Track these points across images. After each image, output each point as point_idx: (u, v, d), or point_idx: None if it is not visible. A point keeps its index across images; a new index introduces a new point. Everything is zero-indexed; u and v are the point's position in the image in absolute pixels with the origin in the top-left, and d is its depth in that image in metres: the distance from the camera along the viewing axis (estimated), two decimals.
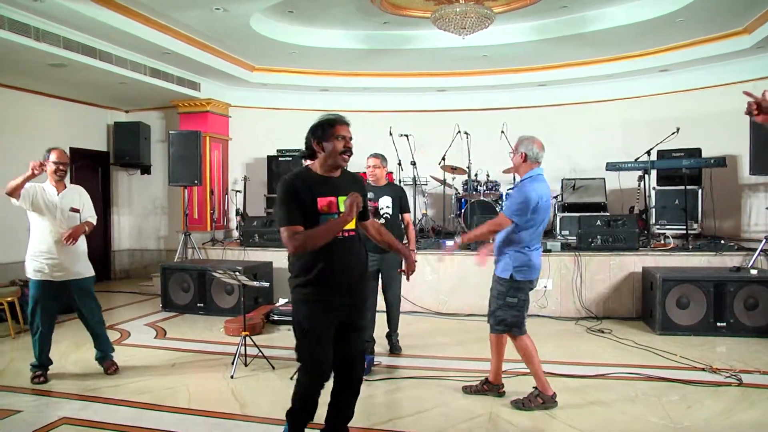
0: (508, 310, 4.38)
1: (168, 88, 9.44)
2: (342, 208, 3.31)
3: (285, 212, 3.25)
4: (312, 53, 9.13)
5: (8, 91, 8.89)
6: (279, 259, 8.46)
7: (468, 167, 9.39)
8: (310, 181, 3.32)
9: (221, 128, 10.88)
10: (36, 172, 4.84)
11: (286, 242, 3.23)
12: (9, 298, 6.91)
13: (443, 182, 9.59)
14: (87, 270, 5.38)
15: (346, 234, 3.35)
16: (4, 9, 6.44)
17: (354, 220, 3.38)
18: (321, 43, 8.80)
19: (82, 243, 5.32)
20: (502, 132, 8.98)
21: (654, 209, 8.67)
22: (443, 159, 9.34)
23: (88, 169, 10.64)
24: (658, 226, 8.76)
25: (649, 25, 7.78)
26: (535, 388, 4.41)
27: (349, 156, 3.41)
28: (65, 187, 5.30)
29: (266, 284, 6.33)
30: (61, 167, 5.20)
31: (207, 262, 8.56)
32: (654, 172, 8.70)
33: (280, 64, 9.96)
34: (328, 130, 3.33)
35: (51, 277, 5.12)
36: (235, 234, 10.60)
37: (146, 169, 11.23)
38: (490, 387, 4.67)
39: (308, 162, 3.53)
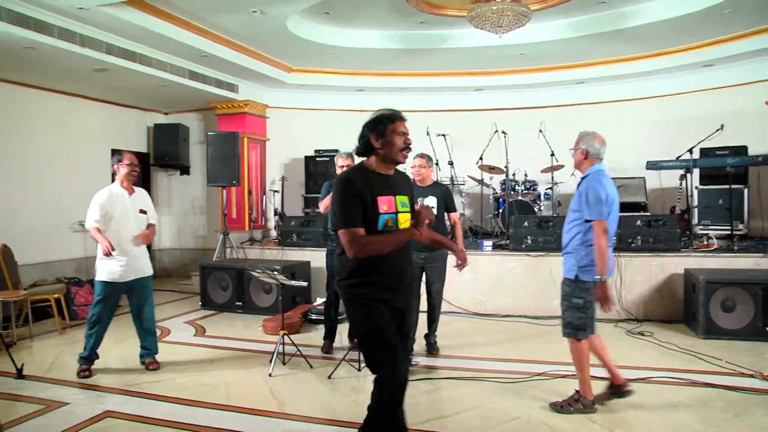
0: (574, 312, 4.23)
1: (206, 90, 9.57)
2: (400, 208, 3.20)
3: (345, 213, 3.09)
4: (348, 54, 9.17)
5: (54, 95, 9.13)
6: (317, 258, 8.50)
7: (506, 167, 9.32)
8: (369, 179, 3.16)
9: (259, 129, 10.99)
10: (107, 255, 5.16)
11: (347, 246, 3.07)
12: (56, 295, 7.08)
13: (481, 182, 9.54)
14: (149, 269, 5.58)
15: None
16: (53, 18, 6.64)
17: (406, 221, 3.26)
18: (357, 43, 8.82)
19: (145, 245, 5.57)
20: (540, 131, 8.90)
21: (696, 209, 8.47)
22: (481, 158, 9.29)
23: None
24: (700, 227, 8.55)
25: (692, 19, 7.58)
26: (577, 391, 4.33)
27: (408, 153, 3.31)
28: (134, 191, 5.49)
29: (304, 283, 6.36)
30: (135, 170, 5.42)
31: (245, 262, 8.65)
32: (696, 171, 8.50)
33: (316, 65, 10.02)
34: (387, 126, 3.19)
35: (120, 278, 5.29)
36: (273, 234, 10.70)
37: (185, 170, 11.40)
38: (614, 389, 4.42)
39: (362, 159, 3.34)
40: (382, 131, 3.18)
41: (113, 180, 5.52)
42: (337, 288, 3.32)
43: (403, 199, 3.25)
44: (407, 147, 3.26)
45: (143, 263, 5.50)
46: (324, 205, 5.90)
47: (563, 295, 4.31)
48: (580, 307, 4.20)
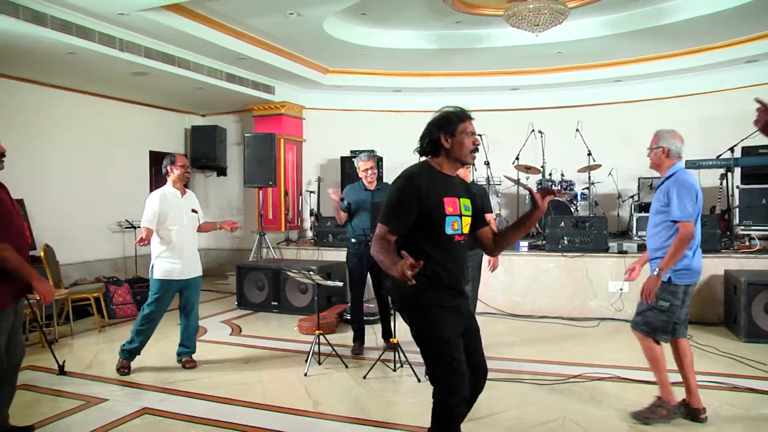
0: (659, 314, 4.02)
1: (243, 92, 9.67)
2: (464, 211, 3.10)
3: (392, 213, 3.01)
4: (384, 54, 9.17)
5: (95, 99, 9.35)
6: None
7: (542, 166, 9.24)
8: (436, 180, 3.07)
9: (295, 130, 11.06)
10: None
11: (374, 239, 3.01)
12: (95, 294, 7.23)
13: (517, 182, 9.45)
14: (200, 269, 5.75)
15: (461, 238, 3.12)
16: (95, 23, 6.82)
17: (467, 224, 3.15)
18: (393, 44, 8.82)
19: (197, 244, 5.74)
20: (577, 130, 8.80)
21: (738, 209, 8.26)
22: (517, 158, 9.22)
23: None
24: (742, 227, 8.32)
25: (734, 14, 7.35)
26: (658, 397, 4.15)
27: (477, 154, 3.21)
28: (185, 191, 5.65)
29: (340, 284, 6.39)
30: (187, 171, 5.59)
31: (281, 262, 8.72)
32: (738, 170, 8.30)
33: (353, 66, 10.05)
34: (457, 125, 3.05)
35: (177, 276, 5.43)
36: (309, 234, 10.76)
37: (222, 171, 11.54)
38: (687, 409, 4.17)
39: (426, 158, 3.20)
40: (453, 131, 3.06)
41: (150, 181, 5.65)
42: (395, 291, 3.16)
43: (465, 202, 3.15)
44: (476, 148, 3.15)
45: (196, 262, 5.66)
46: (341, 219, 5.97)
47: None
48: (665, 310, 4.02)
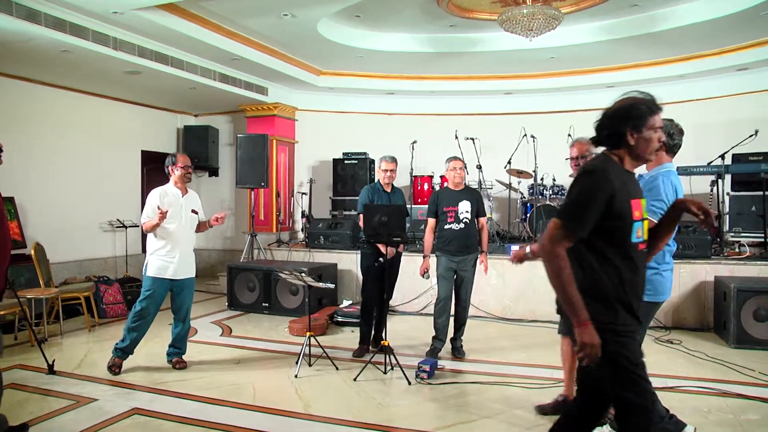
0: None
1: (236, 93, 9.66)
2: (645, 214, 2.70)
3: (581, 212, 2.54)
4: (378, 57, 9.19)
5: (87, 97, 9.31)
6: (344, 260, 8.55)
7: (534, 171, 9.26)
8: (624, 179, 2.62)
9: (288, 131, 11.06)
10: (161, 220, 5.24)
11: (547, 239, 2.54)
12: (86, 293, 7.19)
13: (509, 186, 9.49)
14: (194, 270, 5.71)
15: (644, 246, 2.70)
16: (88, 21, 6.78)
17: (647, 229, 2.73)
18: (387, 46, 8.84)
19: (193, 244, 5.72)
20: (569, 135, 8.82)
21: (728, 215, 8.32)
22: (509, 162, 9.24)
23: (159, 171, 10.91)
24: (732, 234, 8.39)
25: (727, 22, 7.44)
26: None
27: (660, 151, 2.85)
28: (187, 191, 5.65)
29: (332, 286, 6.39)
30: (189, 171, 5.61)
31: (272, 263, 8.71)
32: (728, 177, 8.36)
33: (346, 68, 10.06)
34: (646, 119, 2.63)
35: (169, 275, 5.41)
36: (301, 236, 10.75)
37: (214, 172, 11.52)
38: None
39: (602, 150, 2.78)
40: (640, 126, 2.63)
41: (142, 180, 5.63)
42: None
43: (644, 203, 2.74)
44: (662, 145, 2.77)
45: (191, 263, 5.64)
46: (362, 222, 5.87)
47: None
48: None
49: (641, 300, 2.69)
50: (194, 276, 5.70)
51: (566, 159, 4.44)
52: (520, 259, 3.89)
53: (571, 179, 2.66)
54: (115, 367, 5.34)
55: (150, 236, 5.43)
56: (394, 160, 6.07)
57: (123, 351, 5.40)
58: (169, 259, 5.39)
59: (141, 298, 5.41)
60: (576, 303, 2.46)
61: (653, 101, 2.69)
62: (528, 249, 4.21)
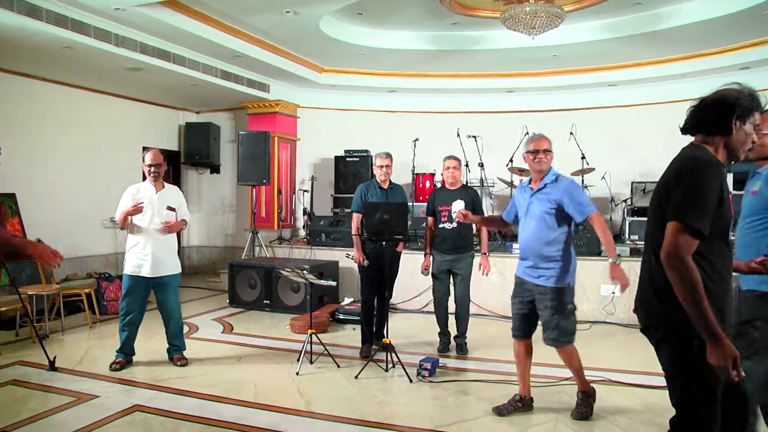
0: (571, 317, 4.15)
1: (238, 90, 9.64)
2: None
3: (705, 209, 2.28)
4: (380, 54, 9.17)
5: (88, 94, 9.30)
6: (345, 258, 8.52)
7: None
8: (723, 174, 2.40)
9: (289, 129, 11.05)
10: (132, 213, 5.26)
11: (673, 246, 2.26)
12: (87, 290, 7.21)
13: (510, 184, 9.48)
14: (176, 267, 5.63)
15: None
16: (90, 18, 6.76)
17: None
18: (389, 44, 8.82)
19: (173, 240, 5.61)
20: (571, 133, 8.82)
21: None
22: (511, 161, 9.23)
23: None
24: (733, 234, 8.36)
25: (729, 20, 7.41)
26: (584, 392, 4.31)
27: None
28: (163, 187, 5.57)
29: (333, 283, 6.38)
30: (153, 169, 5.48)
31: (274, 260, 8.71)
32: (730, 176, 8.34)
33: (348, 66, 10.04)
34: (752, 112, 2.46)
35: (145, 273, 5.38)
36: (302, 233, 10.74)
37: (215, 169, 11.51)
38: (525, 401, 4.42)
39: (696, 139, 2.59)
40: (744, 118, 2.45)
41: (143, 177, 5.63)
42: (663, 315, 2.46)
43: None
44: (753, 146, 2.61)
45: (170, 260, 5.56)
46: (355, 225, 5.89)
47: (557, 305, 4.07)
48: (574, 311, 4.19)
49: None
50: (176, 273, 5.61)
51: (528, 152, 4.49)
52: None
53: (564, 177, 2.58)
54: (114, 365, 5.35)
55: (127, 234, 5.43)
56: (388, 155, 6.01)
57: (119, 351, 5.43)
58: (142, 256, 5.36)
59: (122, 297, 5.44)
60: (711, 319, 2.20)
61: (758, 97, 2.51)
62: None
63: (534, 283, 4.18)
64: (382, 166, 5.96)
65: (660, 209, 2.44)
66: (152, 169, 5.48)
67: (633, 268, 7.26)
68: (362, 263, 5.81)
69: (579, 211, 4.13)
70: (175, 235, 5.64)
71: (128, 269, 5.39)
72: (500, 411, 4.33)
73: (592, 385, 4.35)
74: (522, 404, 4.37)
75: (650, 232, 2.55)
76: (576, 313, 4.21)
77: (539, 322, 4.25)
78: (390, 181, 6.06)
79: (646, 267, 2.62)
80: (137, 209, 5.23)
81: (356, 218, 5.91)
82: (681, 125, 2.62)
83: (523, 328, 4.33)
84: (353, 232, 5.86)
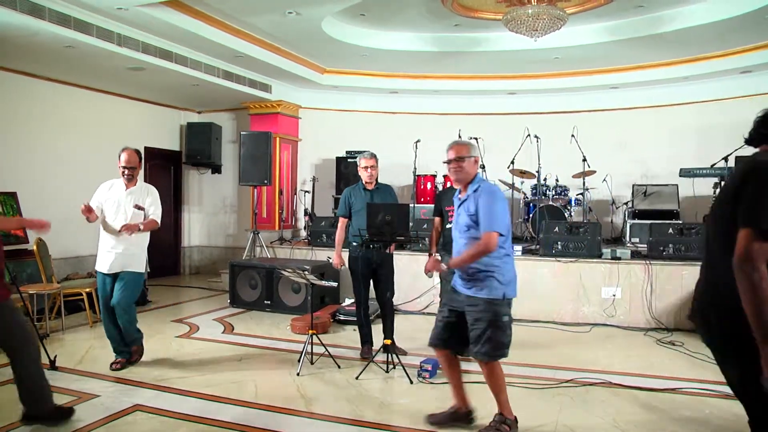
0: (507, 330, 3.91)
1: (240, 90, 9.65)
2: None
3: None
4: (382, 55, 9.18)
5: (90, 93, 9.31)
6: (346, 259, 8.52)
7: (537, 171, 9.24)
8: None
9: (291, 129, 11.05)
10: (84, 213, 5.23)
11: (746, 254, 2.16)
12: (87, 289, 7.21)
13: (512, 186, 9.48)
14: (137, 265, 5.53)
15: None
16: (93, 17, 6.78)
17: None
18: (391, 45, 8.83)
19: (141, 239, 5.54)
20: (573, 136, 8.82)
21: None
22: (512, 162, 9.23)
23: (161, 167, 11.00)
24: None
25: (732, 24, 7.44)
26: (501, 413, 4.03)
27: None
28: (134, 185, 5.53)
29: (334, 284, 6.38)
30: (126, 171, 5.45)
31: (275, 261, 8.72)
32: None
33: (350, 67, 10.05)
34: None
35: (105, 269, 5.40)
36: (303, 234, 10.75)
37: (217, 169, 11.52)
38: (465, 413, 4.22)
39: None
40: None
41: (145, 177, 5.62)
42: (722, 317, 2.42)
43: None
44: None
45: (132, 257, 5.47)
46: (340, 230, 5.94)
47: (492, 316, 3.85)
48: (509, 324, 3.93)
49: None
50: (136, 271, 5.50)
51: (445, 162, 4.20)
52: (432, 270, 4.22)
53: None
54: (114, 365, 5.36)
55: (100, 231, 5.48)
56: (373, 156, 5.96)
57: (113, 350, 5.46)
58: (104, 253, 5.40)
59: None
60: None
61: None
62: (443, 264, 4.14)
63: (465, 294, 3.97)
64: (366, 167, 5.89)
65: (722, 219, 2.38)
66: (126, 171, 5.44)
67: (633, 271, 7.29)
68: (338, 267, 5.89)
69: (483, 222, 3.85)
70: (146, 234, 5.55)
71: (96, 266, 5.45)
72: (436, 419, 4.19)
73: (515, 416, 4.05)
74: (456, 417, 4.18)
75: (711, 244, 2.49)
76: (511, 326, 3.96)
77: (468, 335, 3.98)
78: (377, 181, 6.02)
79: (707, 278, 2.56)
80: (84, 211, 5.18)
81: (341, 222, 5.93)
82: (746, 137, 2.56)
83: (443, 337, 4.12)
84: (336, 238, 5.95)
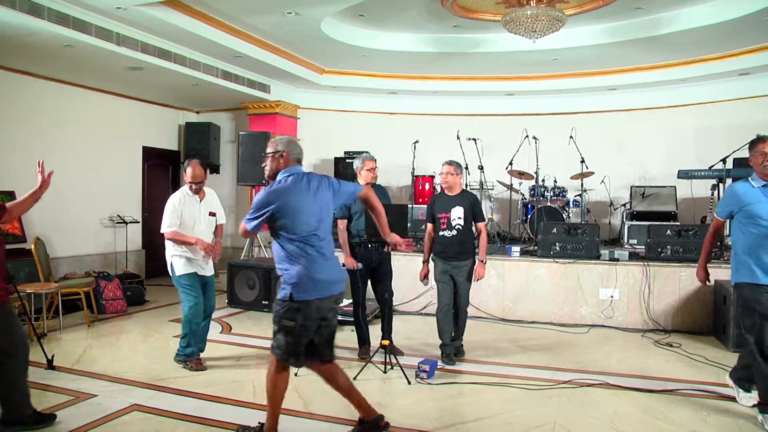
0: (278, 335, 3.79)
1: (238, 90, 9.64)
2: None
3: None
4: (381, 56, 9.18)
5: (89, 92, 9.30)
6: (342, 259, 8.53)
7: (535, 172, 9.26)
8: None
9: (290, 129, 11.04)
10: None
11: None
12: (85, 289, 7.20)
13: (510, 187, 9.49)
14: (212, 268, 5.78)
15: None
16: (91, 16, 6.77)
17: None
18: (390, 46, 8.83)
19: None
20: (571, 137, 8.83)
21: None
22: (510, 164, 9.24)
23: (160, 167, 11.00)
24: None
25: (730, 26, 7.45)
26: (261, 424, 3.98)
27: None
28: (205, 195, 5.67)
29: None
30: (194, 186, 5.53)
31: (273, 261, 8.69)
32: (730, 181, 8.35)
33: (349, 67, 10.06)
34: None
35: (199, 271, 5.53)
36: None
37: (215, 169, 11.49)
38: (369, 424, 3.96)
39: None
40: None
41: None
42: None
43: None
44: None
45: (210, 263, 5.70)
46: (341, 231, 5.90)
47: (274, 317, 3.82)
48: (287, 330, 3.75)
49: None
50: (213, 273, 5.82)
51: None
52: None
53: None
54: (192, 363, 5.45)
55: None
56: (374, 157, 5.99)
57: (187, 356, 5.50)
58: (193, 258, 5.49)
59: (185, 298, 5.44)
60: None
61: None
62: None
63: None
64: (372, 169, 5.87)
65: None
66: (194, 186, 5.53)
67: (631, 272, 7.29)
68: (355, 268, 5.73)
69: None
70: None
71: (187, 269, 5.46)
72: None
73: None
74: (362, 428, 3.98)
75: None
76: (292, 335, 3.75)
77: (316, 341, 3.98)
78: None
79: None
80: (208, 249, 5.43)
81: (341, 224, 5.85)
82: None
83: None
84: (340, 239, 5.79)
